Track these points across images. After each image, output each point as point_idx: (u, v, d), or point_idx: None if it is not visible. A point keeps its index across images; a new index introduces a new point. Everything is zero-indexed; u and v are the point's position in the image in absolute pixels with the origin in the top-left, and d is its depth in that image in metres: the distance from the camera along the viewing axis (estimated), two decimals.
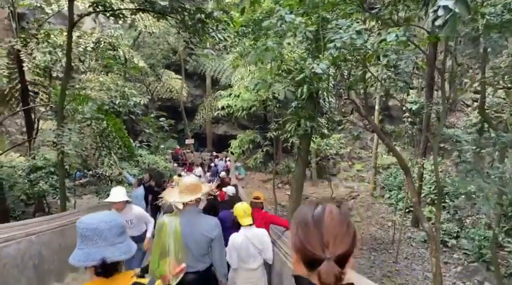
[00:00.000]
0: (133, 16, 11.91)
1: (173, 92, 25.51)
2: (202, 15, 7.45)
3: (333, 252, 1.03)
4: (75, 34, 12.01)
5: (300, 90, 9.89)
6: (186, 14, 7.66)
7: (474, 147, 6.89)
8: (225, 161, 20.72)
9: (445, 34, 3.02)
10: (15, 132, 17.80)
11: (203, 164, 21.43)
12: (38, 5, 12.53)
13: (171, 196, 3.12)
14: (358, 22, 4.00)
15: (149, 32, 14.93)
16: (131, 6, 8.67)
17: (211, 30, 8.23)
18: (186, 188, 3.05)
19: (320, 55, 4.15)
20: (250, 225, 3.95)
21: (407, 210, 15.49)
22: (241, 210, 4.00)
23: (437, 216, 7.23)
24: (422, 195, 16.07)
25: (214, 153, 24.01)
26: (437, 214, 7.30)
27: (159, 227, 2.95)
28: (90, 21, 18.98)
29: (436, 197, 17.00)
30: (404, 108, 20.15)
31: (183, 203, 3.01)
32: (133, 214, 5.00)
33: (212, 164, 19.90)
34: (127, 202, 4.97)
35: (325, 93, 11.44)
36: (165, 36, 23.24)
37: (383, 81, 6.93)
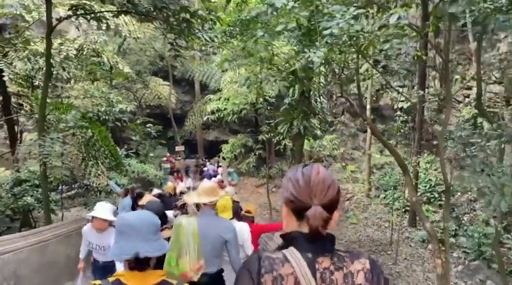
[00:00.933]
0: (115, 19, 11.59)
1: (161, 99, 25.05)
2: (187, 15, 7.14)
3: (320, 200, 1.20)
4: (57, 41, 11.62)
5: (291, 90, 9.64)
6: (170, 13, 7.35)
7: (479, 141, 6.64)
8: (217, 166, 20.36)
9: (458, 9, 2.76)
10: (1, 145, 17.30)
11: (188, 171, 21.17)
12: (18, 12, 12.12)
13: (190, 197, 3.34)
14: (355, 6, 3.71)
15: (134, 38, 14.59)
16: (113, 8, 8.32)
17: (197, 31, 7.92)
18: (204, 191, 3.22)
19: (316, 43, 3.85)
20: (230, 219, 3.93)
21: (403, 210, 15.26)
22: (221, 205, 3.99)
23: (445, 215, 6.99)
24: (418, 194, 15.86)
25: (201, 159, 23.59)
26: (444, 212, 7.06)
27: (176, 227, 3.04)
28: (75, 30, 18.58)
29: (432, 196, 16.88)
30: (395, 107, 20.11)
31: (201, 205, 3.21)
32: (111, 240, 4.01)
33: (205, 169, 19.60)
34: (111, 224, 4.09)
35: (316, 93, 11.21)
36: (151, 42, 22.81)
37: (380, 72, 6.66)
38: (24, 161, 13.46)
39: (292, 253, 1.20)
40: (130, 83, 21.60)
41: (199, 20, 7.64)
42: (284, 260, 1.19)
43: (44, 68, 10.15)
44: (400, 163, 7.85)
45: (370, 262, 1.24)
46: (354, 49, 4.92)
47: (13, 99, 12.70)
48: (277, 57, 8.52)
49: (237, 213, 4.87)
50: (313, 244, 1.20)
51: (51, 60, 10.47)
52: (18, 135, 13.16)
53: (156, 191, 8.71)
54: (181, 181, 16.92)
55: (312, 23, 3.94)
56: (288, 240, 1.26)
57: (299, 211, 1.22)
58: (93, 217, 4.07)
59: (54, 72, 11.32)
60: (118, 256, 1.70)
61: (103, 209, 4.05)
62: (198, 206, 3.45)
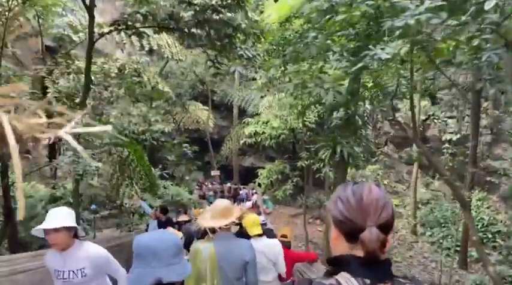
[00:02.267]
0: (158, 41, 11.61)
1: (200, 123, 25.19)
2: (230, 29, 6.82)
3: (375, 221, 1.06)
4: (99, 60, 11.76)
5: (335, 113, 9.05)
6: (212, 29, 7.08)
7: None
8: (252, 194, 19.89)
9: None
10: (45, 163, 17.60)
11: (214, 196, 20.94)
12: (66, 33, 12.46)
13: (204, 220, 3.08)
14: None
15: (176, 60, 14.64)
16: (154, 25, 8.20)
17: (239, 49, 7.60)
18: (218, 212, 3.02)
19: (384, 38, 3.29)
20: (260, 235, 3.77)
21: (454, 249, 14.02)
22: (250, 220, 3.83)
23: None
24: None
25: (228, 185, 23.15)
26: None
27: (193, 253, 2.93)
28: (120, 54, 19.10)
29: (485, 236, 15.48)
30: (443, 138, 18.98)
31: (217, 228, 3.00)
32: (86, 257, 2.67)
33: (241, 192, 19.28)
34: (75, 235, 2.71)
35: (361, 119, 10.54)
36: (192, 67, 23.15)
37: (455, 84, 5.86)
38: (64, 179, 13.53)
39: (347, 279, 1.06)
40: (170, 106, 21.80)
41: (241, 37, 7.32)
42: None
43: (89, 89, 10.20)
44: (459, 197, 6.98)
45: None
46: (417, 58, 4.30)
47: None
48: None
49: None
50: (370, 269, 1.07)
51: (93, 78, 10.55)
52: (58, 153, 13.25)
53: (183, 217, 8.28)
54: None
55: (378, 20, 3.40)
56: (338, 265, 1.12)
57: (351, 233, 1.10)
58: (46, 232, 2.58)
59: (97, 91, 11.39)
60: (138, 283, 1.54)
61: (56, 216, 2.53)
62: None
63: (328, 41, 6.94)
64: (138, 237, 1.66)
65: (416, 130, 7.64)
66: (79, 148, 0.68)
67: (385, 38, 3.26)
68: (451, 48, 3.50)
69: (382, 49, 3.12)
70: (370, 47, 3.26)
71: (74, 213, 2.73)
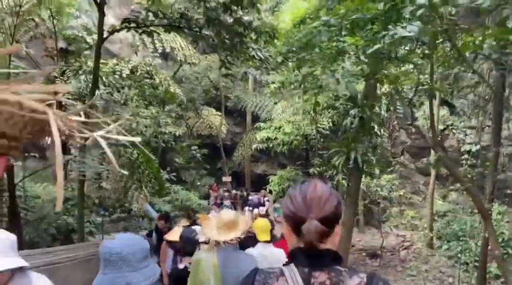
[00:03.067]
0: (172, 43, 11.50)
1: (213, 128, 25.04)
2: (241, 28, 6.60)
3: (316, 214, 1.16)
4: (112, 61, 11.68)
5: (348, 119, 8.72)
6: (223, 28, 6.87)
7: None
8: (263, 201, 19.55)
9: None
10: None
11: (222, 203, 20.60)
12: (80, 34, 12.45)
13: (209, 231, 2.99)
14: None
15: (189, 63, 14.53)
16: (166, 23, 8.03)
17: (250, 49, 7.37)
18: (224, 224, 2.95)
19: (406, 15, 2.97)
20: (268, 242, 3.83)
21: (474, 265, 13.40)
22: (260, 225, 3.90)
23: None
24: (488, 248, 13.95)
25: (234, 191, 22.78)
26: None
27: (196, 263, 2.94)
28: (134, 56, 19.10)
29: (505, 251, 14.77)
30: (462, 149, 18.37)
31: (222, 242, 2.89)
32: None
33: (250, 198, 19.01)
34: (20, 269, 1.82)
35: (376, 125, 10.17)
36: (206, 72, 23.06)
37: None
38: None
39: (289, 268, 1.19)
40: (183, 111, 21.72)
41: (253, 36, 7.10)
42: (279, 275, 1.19)
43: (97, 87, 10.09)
44: (480, 208, 6.56)
45: (367, 276, 1.17)
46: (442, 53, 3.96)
47: None
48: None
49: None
50: (310, 258, 1.17)
51: (105, 79, 10.45)
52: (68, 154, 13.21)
53: (184, 222, 7.97)
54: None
55: (397, 7, 3.09)
56: (290, 257, 1.23)
57: (296, 225, 1.19)
58: None
59: (108, 92, 11.31)
60: None
61: None
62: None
63: (344, 44, 6.66)
64: (105, 242, 1.67)
65: (435, 136, 7.26)
66: (110, 154, 0.73)
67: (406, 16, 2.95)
68: (477, 42, 3.19)
69: (404, 27, 2.78)
70: (390, 27, 2.95)
71: (16, 239, 1.87)
